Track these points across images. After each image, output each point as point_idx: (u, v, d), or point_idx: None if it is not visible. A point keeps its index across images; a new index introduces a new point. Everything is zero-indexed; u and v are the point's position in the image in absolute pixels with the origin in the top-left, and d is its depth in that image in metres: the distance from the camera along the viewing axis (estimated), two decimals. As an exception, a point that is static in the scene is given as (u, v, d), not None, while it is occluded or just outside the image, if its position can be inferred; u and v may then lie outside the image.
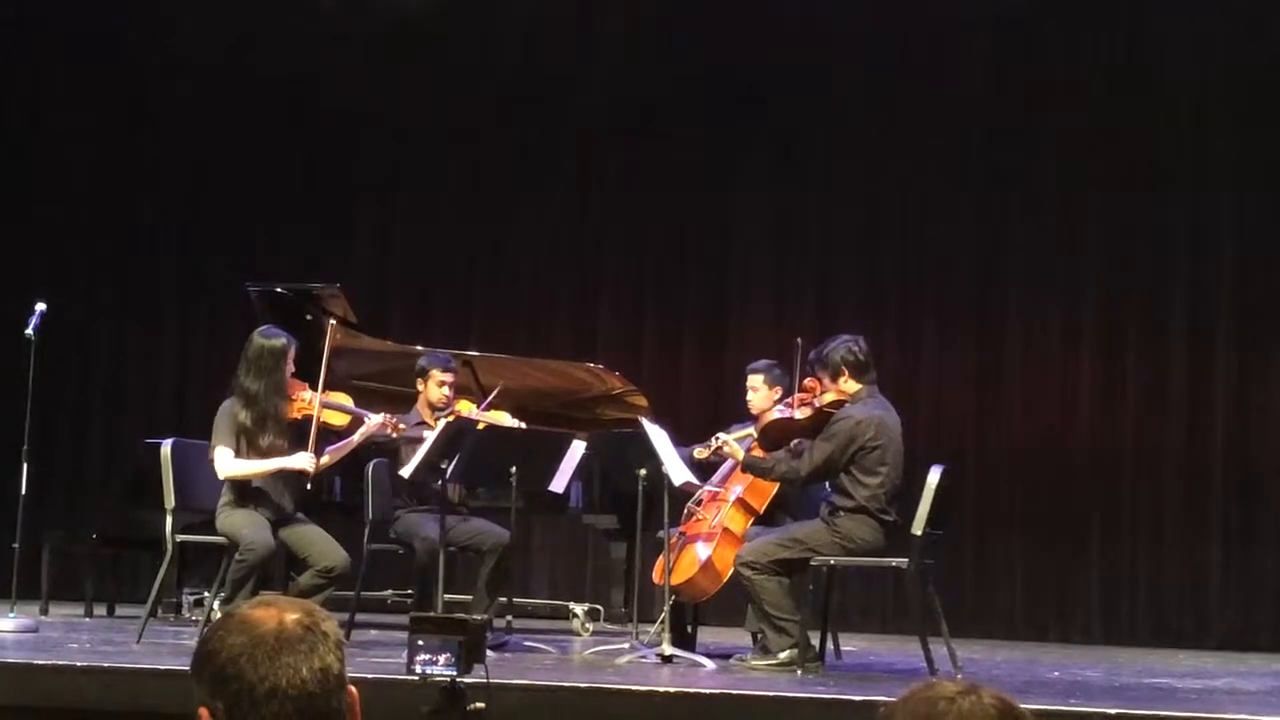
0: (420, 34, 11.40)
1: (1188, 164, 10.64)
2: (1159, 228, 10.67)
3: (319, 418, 7.43)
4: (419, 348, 8.87)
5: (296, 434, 7.44)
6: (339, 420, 7.55)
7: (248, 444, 7.33)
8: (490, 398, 8.28)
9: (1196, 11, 10.66)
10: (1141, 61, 10.77)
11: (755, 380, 8.00)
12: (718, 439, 7.68)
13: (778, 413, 7.64)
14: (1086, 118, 10.79)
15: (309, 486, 7.49)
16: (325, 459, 7.53)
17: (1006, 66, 10.92)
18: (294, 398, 7.45)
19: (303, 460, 7.35)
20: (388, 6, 11.09)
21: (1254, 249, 10.54)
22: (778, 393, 7.88)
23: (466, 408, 8.23)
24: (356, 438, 7.55)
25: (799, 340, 7.69)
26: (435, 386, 8.22)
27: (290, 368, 7.41)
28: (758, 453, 7.60)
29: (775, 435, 7.59)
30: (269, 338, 7.44)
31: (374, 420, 7.57)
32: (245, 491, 7.36)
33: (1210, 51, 10.64)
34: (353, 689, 2.10)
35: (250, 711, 2.01)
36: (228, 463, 7.30)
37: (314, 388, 7.51)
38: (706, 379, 10.98)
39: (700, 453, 7.70)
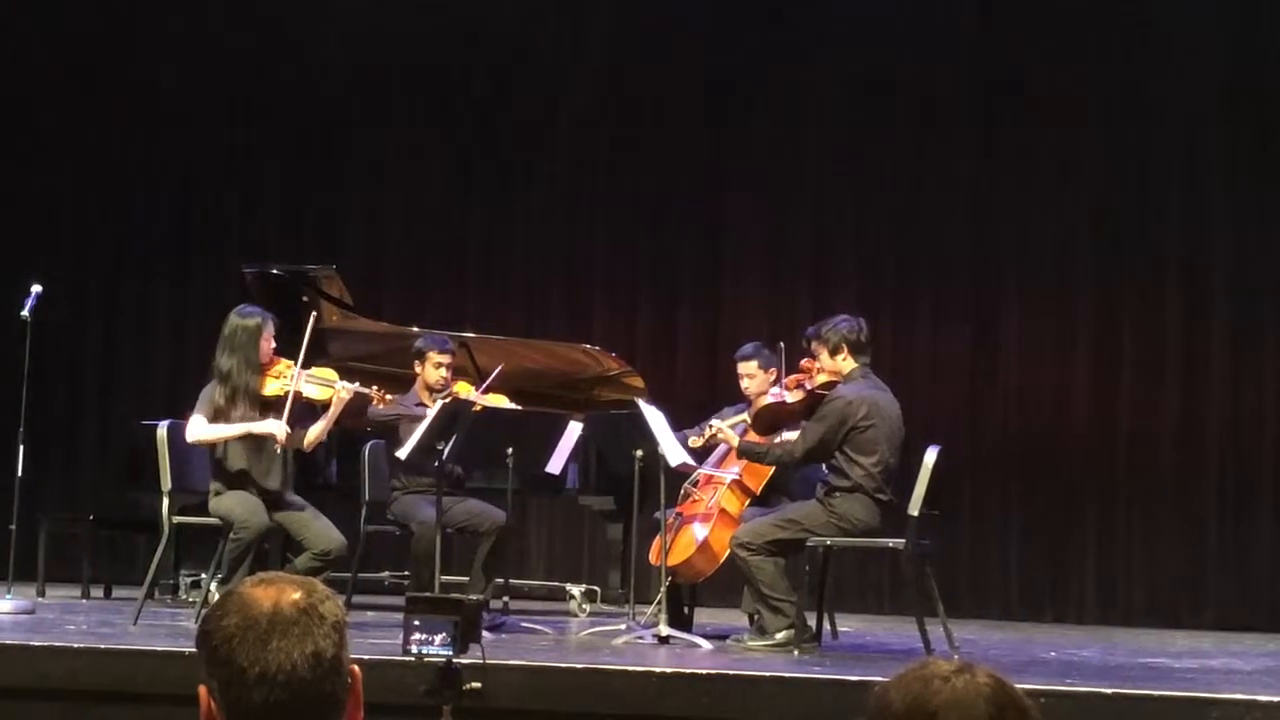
0: (415, 13, 11.39)
1: (1184, 144, 10.64)
2: (1154, 208, 10.67)
3: (296, 391, 7.37)
4: (415, 329, 8.87)
5: (275, 410, 7.39)
6: (321, 395, 7.45)
7: (222, 420, 7.35)
8: (489, 380, 8.27)
9: (1197, 4, 10.67)
10: (1140, 38, 10.76)
11: (749, 367, 7.98)
12: (711, 425, 7.68)
13: (770, 397, 7.65)
14: (1083, 99, 10.78)
15: (284, 452, 7.41)
16: (311, 436, 7.49)
17: (1002, 47, 10.91)
18: (273, 373, 7.41)
19: (272, 426, 7.31)
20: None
21: (1249, 227, 10.54)
22: (773, 374, 7.88)
23: (465, 390, 8.21)
24: (333, 409, 7.43)
25: (782, 344, 7.76)
26: (432, 368, 8.21)
27: (268, 345, 7.39)
28: (752, 437, 7.61)
29: (768, 419, 7.60)
30: (244, 316, 7.45)
31: (349, 387, 7.48)
32: (230, 476, 7.35)
33: (1212, 34, 10.65)
34: (355, 669, 2.09)
35: (241, 694, 2.01)
36: (198, 428, 7.30)
37: (295, 362, 7.48)
38: (701, 362, 10.97)
39: (695, 440, 7.71)
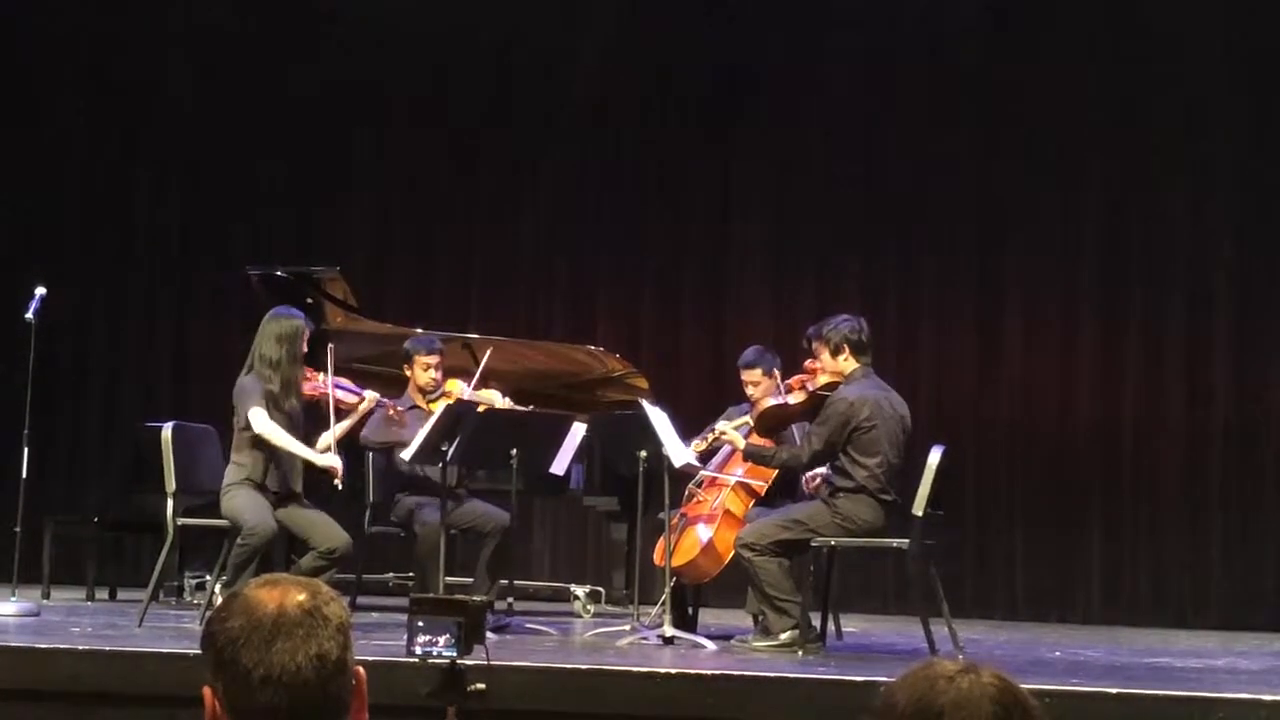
0: (417, 13, 11.39)
1: (1188, 142, 10.63)
2: (1158, 206, 10.67)
3: (333, 396, 7.51)
4: (418, 330, 8.87)
5: (311, 413, 7.52)
6: (349, 400, 7.62)
7: (274, 408, 7.39)
8: (479, 373, 8.28)
9: (1201, 3, 10.67)
10: (1142, 38, 10.76)
11: (753, 375, 7.96)
12: (714, 430, 7.68)
13: (773, 399, 7.65)
14: (1087, 98, 10.78)
15: (339, 485, 7.51)
16: (325, 443, 7.56)
17: (1006, 46, 10.90)
18: (309, 377, 7.51)
19: (333, 460, 7.42)
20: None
21: (1252, 224, 10.53)
22: (777, 379, 7.88)
23: (456, 387, 8.24)
24: (354, 415, 7.59)
25: (778, 372, 7.78)
26: (421, 370, 8.25)
27: (304, 347, 7.47)
28: (756, 440, 7.60)
29: (771, 421, 7.60)
30: (287, 316, 7.53)
31: (371, 397, 7.60)
32: (259, 466, 7.36)
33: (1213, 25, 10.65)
34: (360, 670, 2.10)
35: (246, 695, 2.01)
36: (266, 424, 7.32)
37: (321, 369, 7.57)
38: (706, 361, 10.96)
39: (697, 445, 7.71)
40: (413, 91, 11.58)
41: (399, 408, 7.93)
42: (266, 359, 7.41)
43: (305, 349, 7.50)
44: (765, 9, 11.16)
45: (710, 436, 7.68)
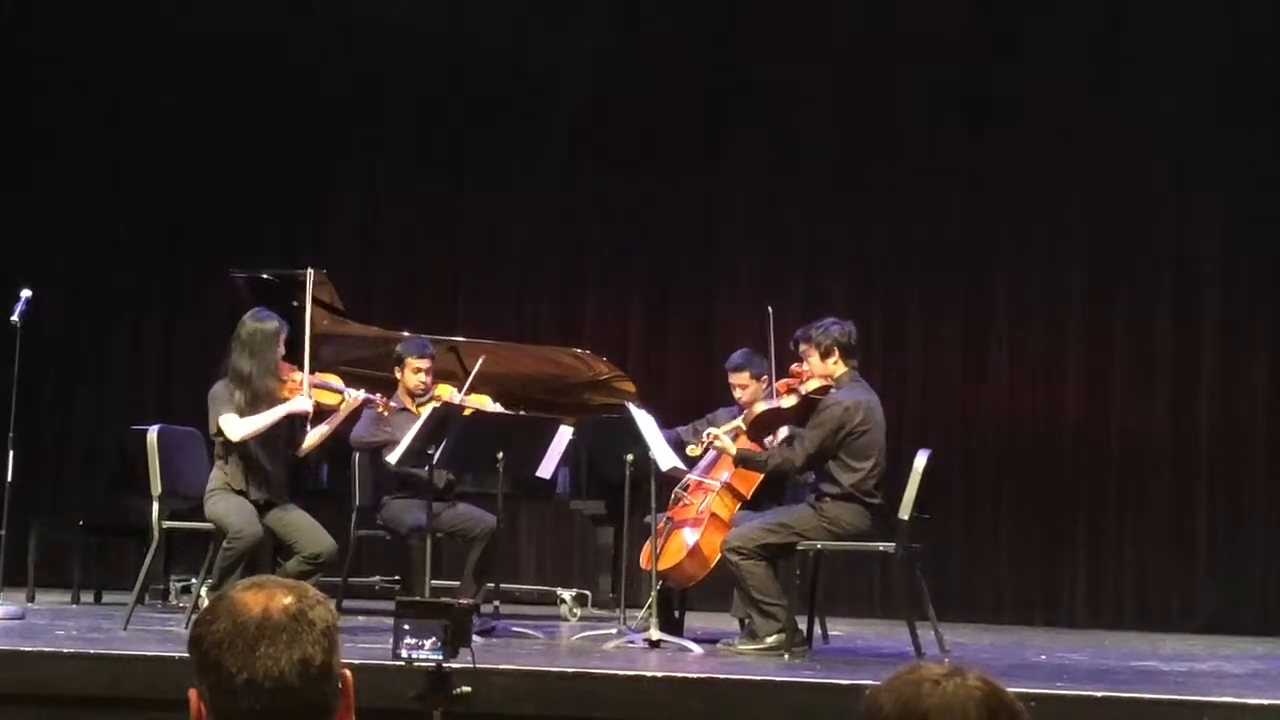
0: (406, 18, 11.39)
1: (1175, 154, 10.65)
2: (1145, 216, 10.68)
3: (311, 397, 7.47)
4: (405, 334, 8.85)
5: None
6: (330, 400, 7.56)
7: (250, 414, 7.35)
8: (470, 379, 8.26)
9: (1187, 9, 10.68)
10: (1136, 49, 10.77)
11: (741, 378, 7.96)
12: (710, 433, 7.67)
13: (764, 403, 7.64)
14: (1083, 106, 10.79)
15: (282, 462, 7.47)
16: (313, 438, 7.53)
17: (996, 51, 10.92)
18: (285, 379, 7.47)
19: (301, 402, 7.38)
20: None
21: (1238, 236, 10.55)
22: (765, 383, 7.87)
23: (446, 392, 8.22)
24: (340, 413, 7.55)
25: (770, 309, 7.71)
26: (411, 374, 8.21)
27: (281, 350, 7.43)
28: (745, 443, 7.60)
29: (763, 425, 7.60)
30: (261, 320, 7.47)
31: (356, 395, 7.56)
32: (239, 475, 7.34)
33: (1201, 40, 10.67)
34: (347, 674, 2.09)
35: (229, 699, 2.01)
36: (238, 425, 7.29)
37: (303, 370, 7.54)
38: (693, 363, 10.96)
39: (693, 450, 7.71)
40: (406, 92, 11.56)
41: (392, 404, 7.87)
42: (238, 373, 7.36)
43: (282, 352, 7.45)
44: (763, 11, 11.16)
45: (706, 440, 7.67)
